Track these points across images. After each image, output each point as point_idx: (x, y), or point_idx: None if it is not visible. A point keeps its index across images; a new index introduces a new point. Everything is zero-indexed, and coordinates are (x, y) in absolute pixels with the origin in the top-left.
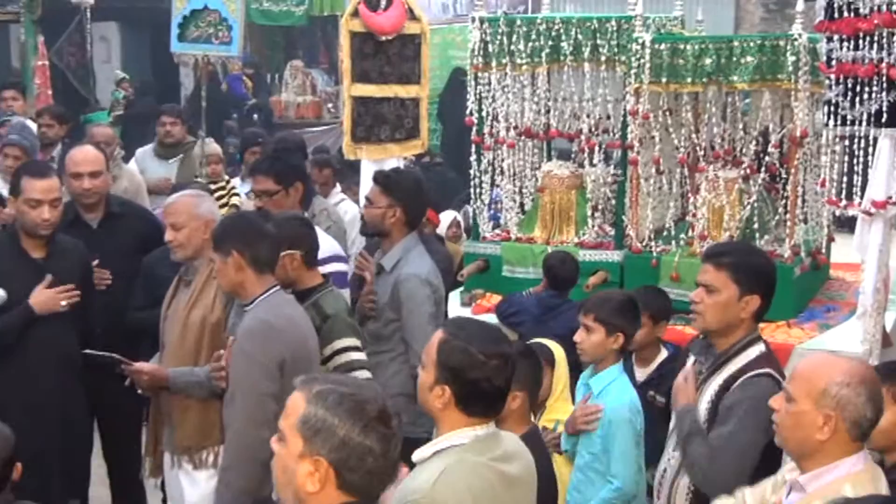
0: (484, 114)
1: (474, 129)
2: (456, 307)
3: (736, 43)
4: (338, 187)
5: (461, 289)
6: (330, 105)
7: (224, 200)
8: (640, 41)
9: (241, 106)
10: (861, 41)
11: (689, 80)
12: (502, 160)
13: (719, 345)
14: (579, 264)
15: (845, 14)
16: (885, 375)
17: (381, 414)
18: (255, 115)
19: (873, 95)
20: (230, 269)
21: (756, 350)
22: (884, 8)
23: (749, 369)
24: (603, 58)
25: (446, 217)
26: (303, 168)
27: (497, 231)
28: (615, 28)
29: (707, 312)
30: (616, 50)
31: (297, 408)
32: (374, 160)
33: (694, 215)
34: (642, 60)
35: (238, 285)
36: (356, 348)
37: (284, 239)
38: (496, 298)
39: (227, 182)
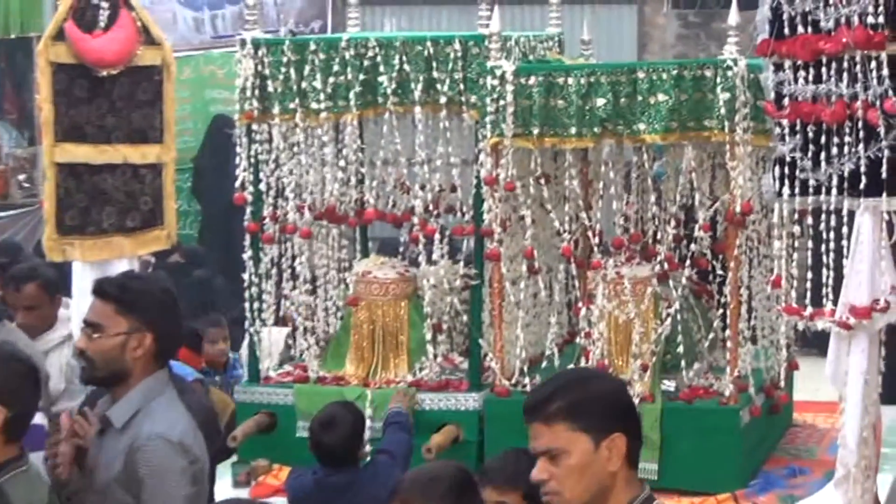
0: (263, 187)
1: (248, 210)
2: (226, 487)
3: (641, 74)
4: (63, 316)
5: (234, 459)
6: (22, 177)
7: None
8: (498, 73)
9: None
10: (825, 69)
11: (573, 130)
12: (293, 257)
13: None
14: (359, 424)
15: (800, 29)
16: None
17: None
18: None
19: (845, 150)
20: None
21: None
22: (855, 20)
23: None
24: (442, 99)
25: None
26: None
27: (287, 368)
28: (459, 54)
29: (564, 488)
30: (462, 87)
31: None
32: (94, 262)
33: (587, 335)
34: (502, 102)
35: None
36: None
37: None
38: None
39: None
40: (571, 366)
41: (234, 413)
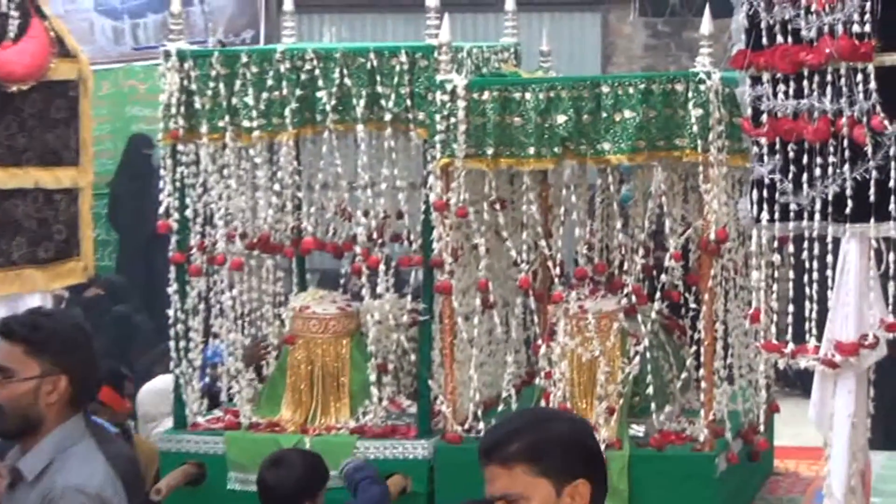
0: (190, 213)
1: (173, 239)
2: None
3: (606, 88)
4: None
5: None
6: None
7: None
8: (449, 87)
9: None
10: (807, 83)
11: (531, 150)
12: (222, 291)
13: None
14: (312, 475)
15: (780, 39)
16: None
17: None
18: None
19: (829, 171)
20: None
21: None
22: (839, 29)
23: None
24: (387, 116)
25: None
26: None
27: (217, 413)
28: (406, 66)
29: None
30: (409, 103)
31: None
32: (3, 297)
33: (548, 376)
34: (453, 119)
35: None
36: None
37: None
38: None
39: None
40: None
41: (159, 464)
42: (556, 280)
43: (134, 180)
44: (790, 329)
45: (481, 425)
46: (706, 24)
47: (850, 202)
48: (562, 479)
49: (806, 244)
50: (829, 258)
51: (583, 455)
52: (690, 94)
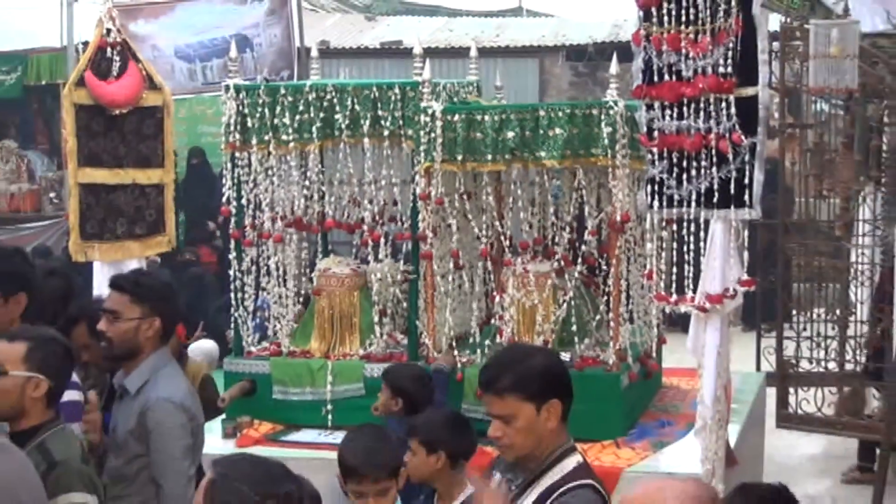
0: (244, 201)
1: (233, 220)
2: (216, 440)
3: (542, 112)
4: None
5: (223, 417)
6: (52, 195)
7: None
8: (430, 112)
9: None
10: (686, 109)
11: (488, 157)
12: (268, 258)
13: (531, 460)
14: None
15: (666, 77)
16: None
17: None
18: None
19: (702, 171)
20: None
21: (573, 461)
22: (709, 70)
23: (567, 481)
24: (385, 132)
25: None
26: (29, 276)
27: (265, 344)
28: (399, 96)
29: (514, 443)
30: (401, 122)
31: None
32: (110, 262)
33: (501, 318)
34: (433, 135)
35: None
36: None
37: (35, 358)
38: (267, 427)
39: None
40: (489, 342)
41: (204, 379)
42: (507, 250)
43: (186, 183)
44: (674, 284)
45: (455, 353)
46: (614, 66)
47: (716, 195)
48: (540, 401)
49: (685, 224)
50: (702, 234)
51: (555, 381)
52: (603, 117)
